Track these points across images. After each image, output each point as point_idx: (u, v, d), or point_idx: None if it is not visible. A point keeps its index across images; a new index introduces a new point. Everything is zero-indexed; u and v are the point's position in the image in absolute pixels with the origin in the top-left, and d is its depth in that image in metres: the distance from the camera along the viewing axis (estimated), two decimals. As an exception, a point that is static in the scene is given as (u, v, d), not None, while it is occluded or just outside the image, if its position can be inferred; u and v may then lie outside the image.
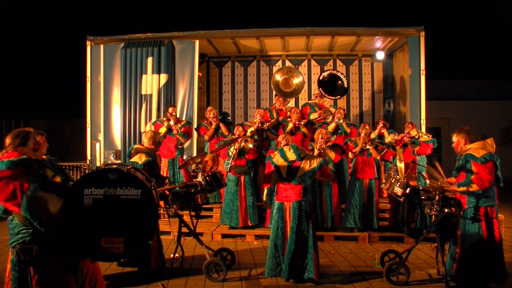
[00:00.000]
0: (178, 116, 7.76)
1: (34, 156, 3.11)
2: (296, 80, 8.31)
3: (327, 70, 8.56)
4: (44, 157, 3.35)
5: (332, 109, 7.75)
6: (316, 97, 8.11)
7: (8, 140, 3.08)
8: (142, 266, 4.66)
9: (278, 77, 8.30)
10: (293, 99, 10.00)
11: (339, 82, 8.17)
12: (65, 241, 3.05)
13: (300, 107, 8.38)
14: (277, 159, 4.52)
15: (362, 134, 6.48)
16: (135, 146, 4.98)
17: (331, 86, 8.21)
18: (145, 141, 4.93)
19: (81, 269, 3.22)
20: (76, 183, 3.21)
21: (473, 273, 4.11)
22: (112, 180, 3.19)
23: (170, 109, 7.28)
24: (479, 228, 4.14)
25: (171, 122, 7.03)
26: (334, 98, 8.39)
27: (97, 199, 3.16)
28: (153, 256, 4.67)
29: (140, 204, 3.20)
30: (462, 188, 4.14)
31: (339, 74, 8.23)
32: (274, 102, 8.12)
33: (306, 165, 4.40)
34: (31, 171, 2.98)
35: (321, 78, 8.20)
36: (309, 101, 8.40)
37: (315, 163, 4.41)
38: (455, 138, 4.39)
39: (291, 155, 4.46)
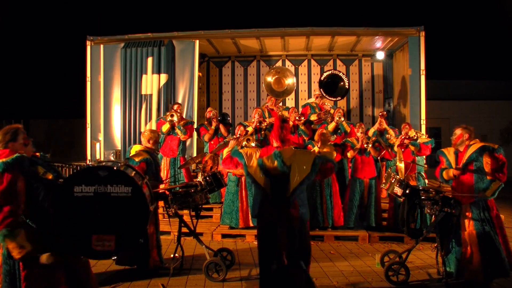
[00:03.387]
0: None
1: (25, 151, 3.13)
2: (288, 81, 8.30)
3: (328, 70, 8.53)
4: (37, 154, 3.35)
5: (332, 110, 7.76)
6: (317, 97, 8.11)
7: None
8: (141, 265, 4.65)
9: (270, 77, 8.30)
10: (293, 99, 10.03)
11: (341, 83, 8.16)
12: (55, 238, 3.05)
13: (300, 107, 8.38)
14: (255, 172, 3.39)
15: (359, 134, 6.49)
16: (134, 146, 4.99)
17: (332, 86, 8.19)
18: (144, 141, 4.93)
19: (71, 266, 3.22)
20: (66, 180, 3.19)
21: (493, 265, 4.14)
22: (103, 177, 3.17)
23: (175, 106, 7.22)
24: (491, 220, 4.20)
25: (175, 118, 6.99)
26: (335, 99, 8.38)
27: (88, 197, 3.15)
28: (152, 256, 4.67)
29: (131, 201, 3.19)
30: (490, 192, 4.16)
31: (340, 74, 8.22)
32: (266, 102, 8.11)
33: (296, 175, 3.31)
34: (24, 169, 3.00)
35: (322, 78, 8.18)
36: (309, 101, 8.39)
37: (308, 166, 3.33)
38: (458, 131, 4.42)
39: (272, 167, 3.36)
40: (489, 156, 4.13)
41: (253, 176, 3.38)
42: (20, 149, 3.10)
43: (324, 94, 8.01)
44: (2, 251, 3.06)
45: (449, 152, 4.54)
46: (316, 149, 6.27)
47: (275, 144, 3.51)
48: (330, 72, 8.35)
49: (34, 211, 3.05)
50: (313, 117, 7.56)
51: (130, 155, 4.82)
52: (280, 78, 8.29)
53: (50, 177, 3.19)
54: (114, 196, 3.17)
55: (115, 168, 3.29)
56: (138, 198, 3.22)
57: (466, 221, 4.28)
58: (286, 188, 3.30)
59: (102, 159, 8.26)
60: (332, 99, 8.24)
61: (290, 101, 9.95)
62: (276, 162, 3.34)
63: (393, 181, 4.81)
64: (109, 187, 3.17)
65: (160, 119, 7.39)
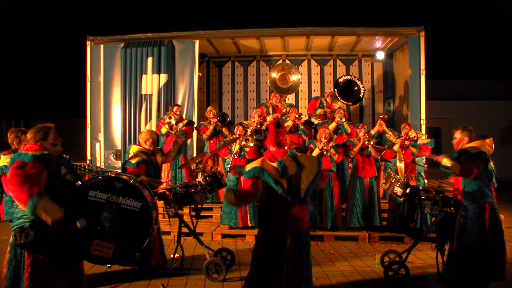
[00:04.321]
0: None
1: (52, 151, 3.27)
2: (293, 77, 8.29)
3: (348, 75, 8.57)
4: (64, 155, 3.50)
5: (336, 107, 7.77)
6: (328, 95, 8.09)
7: (30, 134, 3.27)
8: (142, 265, 4.65)
9: (275, 74, 8.29)
10: (293, 98, 10.03)
11: (355, 88, 8.17)
12: (62, 235, 3.15)
13: (300, 107, 8.37)
14: (276, 175, 3.25)
15: (361, 134, 6.49)
16: (132, 146, 4.97)
17: (346, 90, 8.18)
18: (141, 142, 4.92)
19: (73, 269, 3.29)
20: (84, 184, 3.36)
21: (474, 272, 4.11)
22: (117, 188, 3.35)
23: (175, 108, 7.25)
24: (480, 226, 4.14)
25: (172, 121, 7.00)
26: (346, 103, 8.35)
27: (99, 203, 3.30)
28: (154, 255, 4.67)
29: (137, 216, 3.35)
30: (447, 162, 4.22)
31: (358, 82, 8.23)
32: (270, 98, 8.11)
33: (307, 175, 3.33)
34: (49, 167, 3.14)
35: (339, 80, 8.17)
36: (321, 97, 8.37)
37: (315, 167, 3.38)
38: (458, 135, 4.40)
39: (292, 169, 3.29)
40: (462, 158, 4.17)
41: (275, 178, 3.23)
42: (49, 148, 3.25)
43: (337, 96, 8.00)
44: (11, 240, 3.17)
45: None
46: (317, 150, 6.26)
47: (271, 148, 3.49)
48: (349, 77, 8.39)
49: None
50: (319, 111, 7.57)
51: (129, 156, 4.82)
52: (286, 75, 8.29)
53: (69, 178, 3.33)
54: (123, 208, 3.33)
55: (131, 181, 3.47)
56: (145, 214, 3.38)
57: (458, 224, 4.27)
58: (299, 189, 3.29)
59: (102, 159, 8.27)
60: (345, 102, 8.23)
61: (290, 101, 9.94)
62: (294, 163, 3.31)
63: (393, 181, 4.81)
64: (121, 198, 3.34)
65: (160, 120, 7.41)
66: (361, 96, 8.22)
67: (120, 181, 3.40)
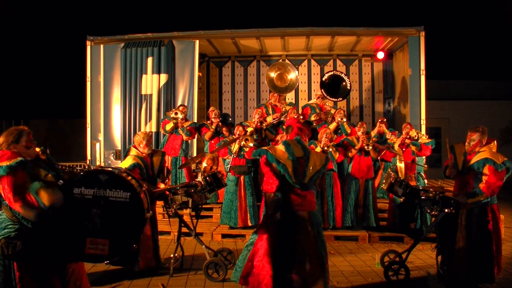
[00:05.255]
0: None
1: (27, 154, 3.13)
2: (291, 75, 8.28)
3: (330, 71, 8.48)
4: (37, 149, 3.32)
5: (333, 110, 7.75)
6: (318, 98, 8.08)
7: (1, 139, 3.13)
8: (131, 265, 4.63)
9: (273, 73, 8.27)
10: (293, 98, 10.03)
11: (343, 83, 8.12)
12: (52, 239, 3.08)
13: (300, 108, 8.36)
14: (280, 155, 3.52)
15: (360, 133, 6.48)
16: (131, 147, 4.93)
17: (334, 87, 8.12)
18: (136, 145, 4.85)
19: (67, 268, 3.23)
20: (67, 181, 3.22)
21: (478, 271, 4.13)
22: (103, 182, 3.21)
23: (181, 108, 7.30)
24: (486, 226, 4.15)
25: (179, 115, 7.00)
26: (336, 100, 8.34)
27: (86, 199, 3.18)
28: (144, 256, 4.61)
29: (128, 207, 3.22)
30: (471, 200, 4.14)
31: (342, 75, 8.17)
32: (269, 98, 8.10)
33: (313, 163, 3.56)
34: (27, 171, 3.03)
35: (323, 79, 8.14)
36: (310, 102, 8.37)
37: (322, 160, 3.64)
38: (476, 137, 4.26)
39: (298, 151, 3.55)
40: (489, 169, 4.09)
41: (280, 161, 3.46)
42: (23, 152, 3.10)
43: (326, 95, 7.97)
44: None
45: (460, 152, 4.45)
46: (318, 149, 6.26)
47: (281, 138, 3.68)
48: (331, 72, 8.27)
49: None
50: (313, 117, 7.56)
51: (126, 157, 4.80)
52: (283, 74, 8.28)
53: (50, 177, 3.18)
54: (112, 201, 3.20)
55: (116, 173, 3.33)
56: (136, 204, 3.25)
57: (462, 224, 4.26)
58: (305, 174, 3.51)
59: (102, 159, 8.27)
60: (334, 99, 8.21)
61: (290, 101, 9.93)
62: (299, 146, 3.59)
63: (393, 181, 4.81)
64: (108, 191, 3.20)
65: (165, 118, 7.42)
66: (349, 89, 8.15)
67: (105, 174, 3.26)
